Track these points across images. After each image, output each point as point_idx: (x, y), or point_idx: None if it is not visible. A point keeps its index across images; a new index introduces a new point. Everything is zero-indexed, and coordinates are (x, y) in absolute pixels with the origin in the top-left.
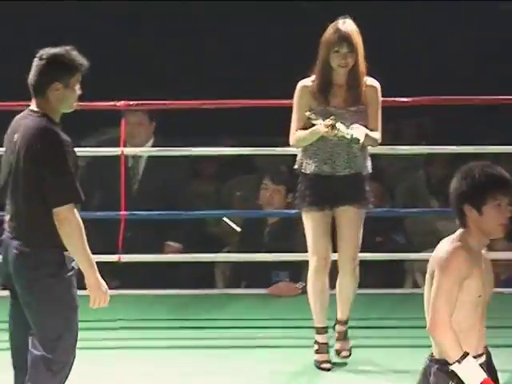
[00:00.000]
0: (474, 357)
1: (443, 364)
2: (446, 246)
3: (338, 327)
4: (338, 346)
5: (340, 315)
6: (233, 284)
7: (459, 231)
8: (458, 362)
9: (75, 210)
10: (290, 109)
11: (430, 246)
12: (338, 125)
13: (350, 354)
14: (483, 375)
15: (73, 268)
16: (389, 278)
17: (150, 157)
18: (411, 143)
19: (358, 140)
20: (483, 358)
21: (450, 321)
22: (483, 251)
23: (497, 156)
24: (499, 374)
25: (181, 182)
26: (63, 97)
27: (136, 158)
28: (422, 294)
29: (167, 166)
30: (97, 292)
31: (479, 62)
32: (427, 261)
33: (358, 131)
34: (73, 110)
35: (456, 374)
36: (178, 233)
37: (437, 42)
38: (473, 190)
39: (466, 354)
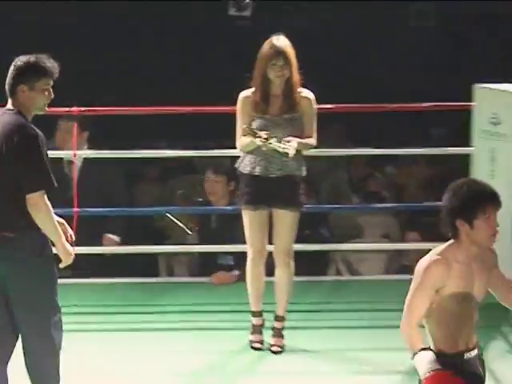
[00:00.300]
0: (467, 350)
1: (442, 355)
2: (427, 257)
3: (275, 323)
4: (272, 341)
5: (278, 311)
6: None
7: (449, 242)
8: (412, 357)
9: (45, 197)
10: (228, 115)
11: (352, 237)
12: (271, 139)
13: (282, 351)
14: (430, 368)
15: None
16: (315, 267)
17: (84, 163)
18: (335, 146)
19: (288, 154)
20: (475, 352)
21: (415, 322)
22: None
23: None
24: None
25: (117, 186)
26: (29, 98)
27: (69, 165)
28: (346, 281)
29: (102, 173)
30: (65, 255)
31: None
32: (349, 251)
33: (289, 145)
34: (44, 112)
35: (453, 365)
36: (120, 228)
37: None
38: (463, 206)
39: (420, 350)
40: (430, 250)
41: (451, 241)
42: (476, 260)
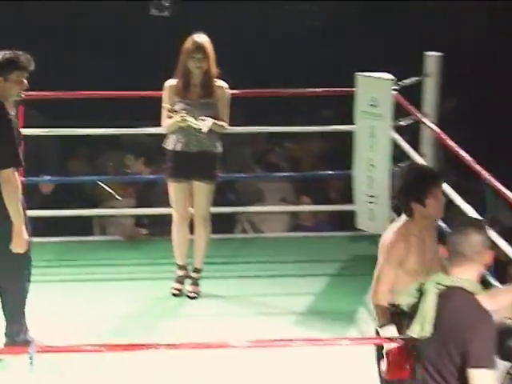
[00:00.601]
0: None
1: (395, 306)
2: (389, 235)
3: (193, 274)
4: (190, 288)
5: (195, 264)
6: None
7: (404, 219)
8: (380, 327)
9: (16, 173)
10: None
11: (255, 201)
12: (188, 118)
13: (198, 297)
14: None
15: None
16: (224, 227)
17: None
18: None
19: (201, 130)
20: None
21: (384, 295)
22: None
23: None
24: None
25: (51, 159)
26: (4, 88)
27: None
28: (251, 238)
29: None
30: (19, 240)
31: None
32: (253, 213)
33: (204, 123)
34: (20, 98)
35: (404, 315)
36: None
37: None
38: (414, 190)
39: (386, 324)
40: (321, 211)
41: (405, 217)
42: (427, 230)
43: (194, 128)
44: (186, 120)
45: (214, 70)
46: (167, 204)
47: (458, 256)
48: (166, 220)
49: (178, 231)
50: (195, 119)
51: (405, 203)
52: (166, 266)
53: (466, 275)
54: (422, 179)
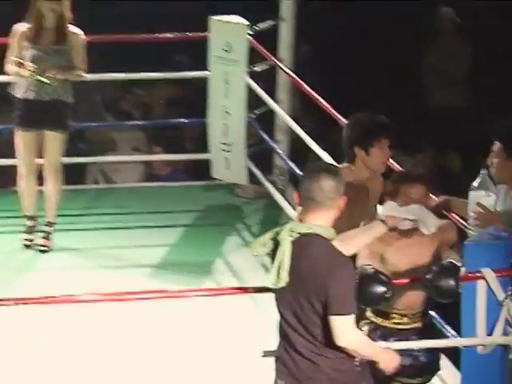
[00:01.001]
0: None
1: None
2: None
3: (45, 228)
4: (41, 241)
5: (48, 217)
6: None
7: (342, 165)
8: None
9: None
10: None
11: (107, 151)
12: (36, 71)
13: (49, 250)
14: None
15: None
16: (75, 177)
17: None
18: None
19: (49, 84)
20: None
21: None
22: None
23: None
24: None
25: None
26: None
27: None
28: (103, 189)
29: None
30: None
31: None
32: (105, 163)
33: (51, 77)
34: None
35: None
36: None
37: None
38: (361, 135)
39: None
40: (174, 161)
41: (345, 164)
42: (364, 186)
43: (42, 82)
44: (34, 75)
45: (68, 14)
46: (12, 155)
47: (310, 202)
48: (11, 172)
49: (26, 183)
50: (45, 73)
51: (348, 147)
52: (13, 220)
53: (320, 221)
54: (371, 127)
